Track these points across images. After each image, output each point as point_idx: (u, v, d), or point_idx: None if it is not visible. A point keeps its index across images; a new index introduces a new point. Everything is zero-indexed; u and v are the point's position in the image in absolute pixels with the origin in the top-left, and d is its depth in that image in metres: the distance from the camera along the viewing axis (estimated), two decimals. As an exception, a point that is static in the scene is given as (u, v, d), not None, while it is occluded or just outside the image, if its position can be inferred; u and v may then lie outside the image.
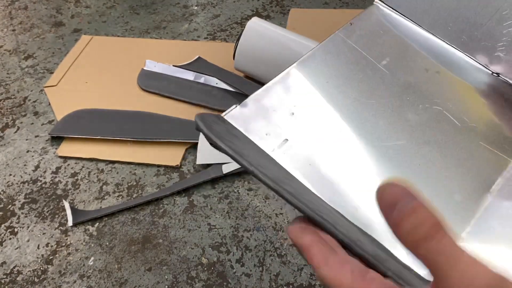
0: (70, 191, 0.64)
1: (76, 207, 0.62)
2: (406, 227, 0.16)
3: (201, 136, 0.68)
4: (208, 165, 0.66)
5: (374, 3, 0.43)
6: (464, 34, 0.39)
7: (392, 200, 0.17)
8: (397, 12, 0.42)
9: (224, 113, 0.33)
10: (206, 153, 0.66)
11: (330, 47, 0.40)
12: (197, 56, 0.86)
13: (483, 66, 0.40)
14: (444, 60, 0.40)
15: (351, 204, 0.28)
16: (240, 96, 0.75)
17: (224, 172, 0.63)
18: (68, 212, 0.60)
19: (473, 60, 0.40)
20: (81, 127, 0.71)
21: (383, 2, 0.43)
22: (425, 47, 0.40)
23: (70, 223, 0.59)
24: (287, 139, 0.31)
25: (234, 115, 0.33)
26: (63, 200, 0.62)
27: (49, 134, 0.72)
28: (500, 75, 0.39)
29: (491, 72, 0.39)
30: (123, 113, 0.74)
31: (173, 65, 0.84)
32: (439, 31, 0.41)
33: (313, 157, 0.30)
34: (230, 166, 0.64)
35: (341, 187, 0.29)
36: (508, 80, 0.38)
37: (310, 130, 0.32)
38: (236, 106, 0.33)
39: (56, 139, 0.72)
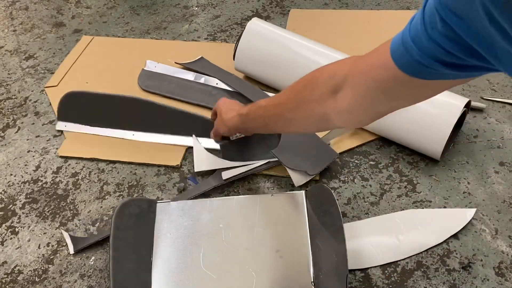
0: (70, 191, 0.65)
1: (75, 234, 0.59)
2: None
3: (196, 143, 0.67)
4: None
5: None
6: None
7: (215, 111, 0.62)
8: None
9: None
10: (203, 160, 0.65)
11: None
12: (200, 56, 0.86)
13: None
14: None
15: None
16: (239, 97, 0.75)
17: (224, 179, 0.63)
18: (68, 241, 0.57)
19: None
20: (81, 113, 0.72)
21: None
22: None
23: (71, 251, 0.57)
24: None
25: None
26: (62, 231, 0.59)
27: (57, 120, 0.73)
28: None
29: None
30: (119, 98, 0.72)
31: (175, 62, 0.84)
32: None
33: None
34: (229, 173, 0.63)
35: None
36: None
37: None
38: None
39: (57, 139, 0.73)
